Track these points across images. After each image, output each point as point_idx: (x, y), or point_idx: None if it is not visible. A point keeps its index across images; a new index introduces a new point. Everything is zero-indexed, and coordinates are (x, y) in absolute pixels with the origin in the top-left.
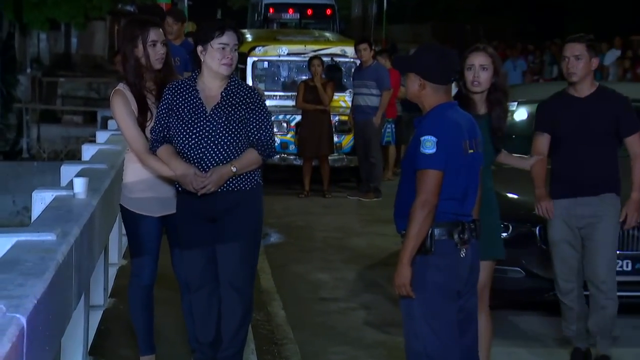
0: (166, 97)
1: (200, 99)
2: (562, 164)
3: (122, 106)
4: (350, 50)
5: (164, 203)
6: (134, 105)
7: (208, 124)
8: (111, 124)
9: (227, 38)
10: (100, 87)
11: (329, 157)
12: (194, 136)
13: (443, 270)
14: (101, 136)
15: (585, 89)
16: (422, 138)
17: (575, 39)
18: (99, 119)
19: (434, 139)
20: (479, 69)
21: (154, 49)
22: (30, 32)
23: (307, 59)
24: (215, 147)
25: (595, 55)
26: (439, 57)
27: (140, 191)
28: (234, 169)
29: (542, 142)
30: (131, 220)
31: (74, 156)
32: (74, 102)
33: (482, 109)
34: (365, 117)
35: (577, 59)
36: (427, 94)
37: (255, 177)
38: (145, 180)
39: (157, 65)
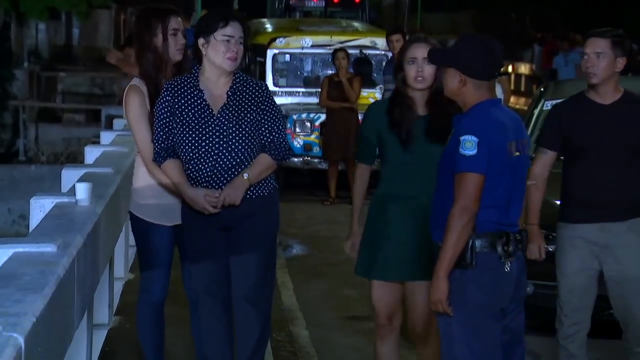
0: (165, 98)
1: (205, 99)
2: (579, 184)
3: (137, 105)
4: (381, 41)
5: (177, 211)
6: (149, 104)
7: (217, 127)
8: (117, 123)
9: (232, 29)
10: (105, 83)
11: None
12: (203, 143)
13: (485, 286)
14: (106, 137)
15: (608, 94)
16: (462, 138)
17: (598, 34)
18: (103, 117)
19: (474, 139)
20: (423, 62)
21: (174, 38)
22: (27, 22)
23: (331, 51)
24: (228, 154)
25: (622, 54)
26: (482, 49)
27: (152, 197)
28: (245, 177)
29: (544, 162)
30: (141, 229)
31: (76, 159)
32: (75, 99)
33: (421, 109)
34: None
35: (599, 57)
36: (467, 90)
37: (271, 181)
38: (157, 185)
39: (178, 57)
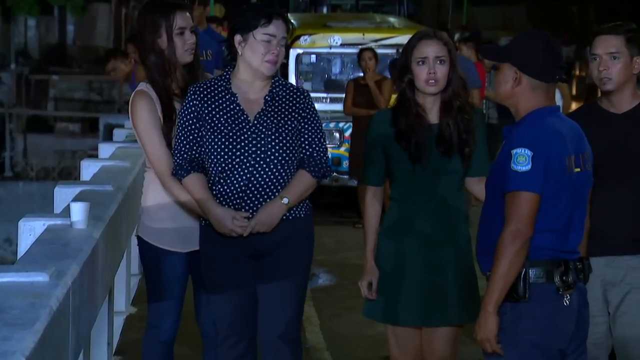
0: (192, 102)
1: (238, 104)
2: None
3: (147, 112)
4: None
5: (193, 235)
6: (160, 112)
7: (254, 136)
8: (117, 133)
9: (275, 28)
10: (103, 88)
11: None
12: (238, 152)
13: (541, 322)
14: (105, 149)
15: (624, 102)
16: (514, 151)
17: (608, 30)
18: (101, 127)
19: (529, 152)
20: (435, 61)
21: (181, 38)
22: (15, 18)
23: (358, 50)
24: (266, 166)
25: (639, 53)
26: (543, 46)
27: (164, 219)
28: (285, 202)
29: None
30: (151, 256)
31: (70, 175)
32: (69, 106)
33: (432, 117)
34: None
35: (613, 58)
36: (522, 92)
37: (307, 200)
38: (170, 206)
39: (187, 58)
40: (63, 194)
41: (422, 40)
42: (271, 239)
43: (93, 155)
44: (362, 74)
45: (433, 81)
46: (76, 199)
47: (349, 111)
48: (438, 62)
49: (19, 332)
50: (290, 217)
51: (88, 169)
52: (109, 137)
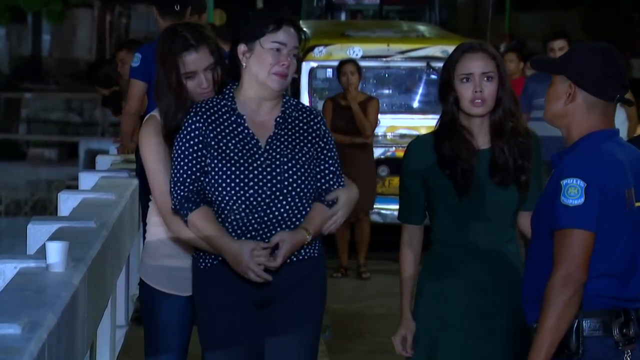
0: (194, 125)
1: (247, 127)
2: None
3: (156, 140)
4: None
5: None
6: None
7: (268, 162)
8: (100, 161)
9: (285, 36)
10: (84, 107)
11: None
12: (251, 183)
13: None
14: (86, 179)
15: None
16: (565, 182)
17: None
18: (81, 153)
19: (581, 184)
20: (481, 78)
21: (192, 81)
22: None
23: (389, 64)
24: (283, 198)
25: None
26: (603, 58)
27: (164, 257)
28: (309, 238)
29: None
30: (147, 298)
31: (46, 209)
32: (45, 129)
33: (481, 141)
34: None
35: None
36: (576, 109)
37: (318, 238)
38: (169, 242)
39: (201, 98)
40: (37, 231)
41: (466, 54)
42: (282, 283)
43: (72, 186)
44: (357, 91)
45: (480, 101)
46: (53, 237)
47: None
48: (485, 79)
49: None
50: (306, 257)
51: (67, 202)
52: (90, 165)
